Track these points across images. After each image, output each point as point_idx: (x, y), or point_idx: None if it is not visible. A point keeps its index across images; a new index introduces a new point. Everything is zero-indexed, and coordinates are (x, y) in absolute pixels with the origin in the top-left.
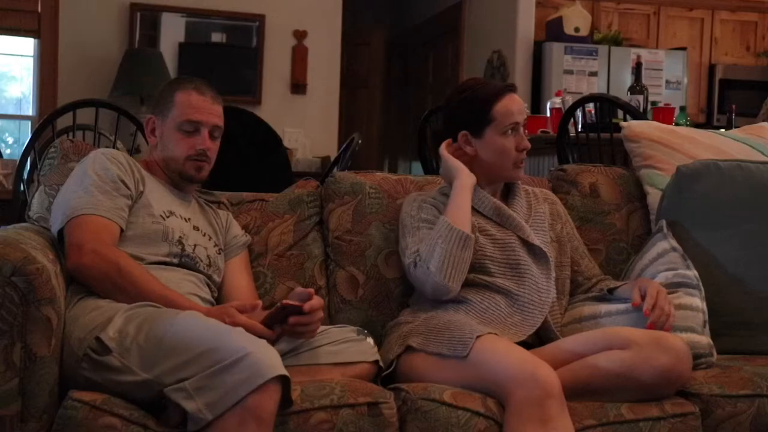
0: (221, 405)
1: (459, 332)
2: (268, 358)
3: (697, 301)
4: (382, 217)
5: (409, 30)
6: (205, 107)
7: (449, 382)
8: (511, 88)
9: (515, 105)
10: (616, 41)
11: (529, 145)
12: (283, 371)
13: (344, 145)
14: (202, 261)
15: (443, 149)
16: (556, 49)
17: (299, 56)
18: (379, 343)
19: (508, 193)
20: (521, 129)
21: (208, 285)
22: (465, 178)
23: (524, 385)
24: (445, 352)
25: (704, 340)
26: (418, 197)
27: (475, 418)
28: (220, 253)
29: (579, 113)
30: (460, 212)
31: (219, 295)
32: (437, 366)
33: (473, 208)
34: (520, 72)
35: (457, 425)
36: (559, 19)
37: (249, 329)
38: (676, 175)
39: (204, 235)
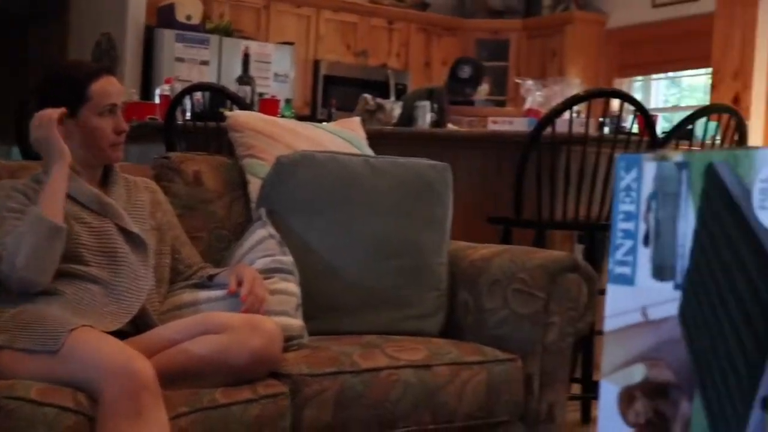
0: None
1: (51, 326)
2: None
3: (292, 286)
4: None
5: (9, 5)
6: None
7: (41, 380)
8: (108, 70)
9: (112, 86)
10: (227, 32)
11: (126, 128)
12: None
13: None
14: None
15: (54, 127)
16: (167, 35)
17: None
18: None
19: (106, 181)
20: (119, 111)
21: None
22: (66, 166)
23: (117, 378)
24: (33, 347)
25: (296, 323)
26: (7, 184)
27: (63, 415)
28: None
29: (188, 101)
30: (54, 200)
31: None
32: (26, 363)
33: (70, 197)
34: (131, 57)
35: (44, 423)
36: (171, 6)
37: None
38: (275, 165)
39: None
